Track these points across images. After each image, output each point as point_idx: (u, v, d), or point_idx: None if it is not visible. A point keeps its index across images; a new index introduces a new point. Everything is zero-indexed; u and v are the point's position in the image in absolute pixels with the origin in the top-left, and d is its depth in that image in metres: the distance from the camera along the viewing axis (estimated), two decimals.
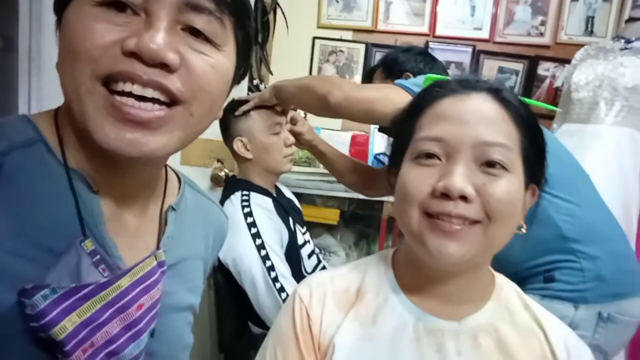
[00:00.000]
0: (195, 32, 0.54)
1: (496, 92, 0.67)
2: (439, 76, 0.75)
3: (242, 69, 0.65)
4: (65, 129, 0.56)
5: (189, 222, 0.73)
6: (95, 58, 0.49)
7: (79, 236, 0.54)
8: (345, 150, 2.48)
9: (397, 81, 1.18)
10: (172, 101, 0.53)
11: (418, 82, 1.15)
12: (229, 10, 0.56)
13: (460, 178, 0.61)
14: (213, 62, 0.55)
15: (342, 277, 0.76)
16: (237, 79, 0.65)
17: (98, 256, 0.55)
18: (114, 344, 0.55)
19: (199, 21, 0.53)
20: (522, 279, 1.17)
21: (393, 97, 1.12)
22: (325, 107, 1.25)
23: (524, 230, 0.69)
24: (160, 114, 0.52)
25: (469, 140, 0.62)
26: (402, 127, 0.72)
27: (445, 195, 0.61)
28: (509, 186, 0.63)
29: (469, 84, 0.68)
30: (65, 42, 0.51)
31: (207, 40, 0.55)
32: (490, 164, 0.62)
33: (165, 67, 0.51)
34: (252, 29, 0.62)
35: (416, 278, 0.71)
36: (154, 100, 0.52)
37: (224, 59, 0.57)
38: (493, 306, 0.71)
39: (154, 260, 0.62)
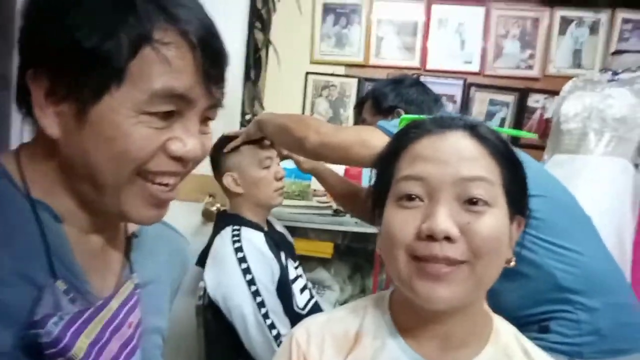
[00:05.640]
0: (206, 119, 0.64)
1: (472, 128, 0.67)
2: (414, 116, 0.75)
3: None
4: (31, 166, 0.60)
5: (151, 248, 0.76)
6: (143, 162, 0.56)
7: (48, 264, 0.57)
8: None
9: (379, 123, 1.17)
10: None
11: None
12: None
13: (444, 218, 0.60)
14: (210, 136, 0.65)
15: (340, 320, 0.75)
16: None
17: (72, 294, 0.58)
18: None
19: (211, 114, 0.63)
20: (517, 327, 1.14)
21: (371, 141, 1.11)
22: (302, 151, 1.25)
23: (513, 264, 0.67)
24: (176, 190, 0.63)
25: (449, 177, 0.62)
26: (382, 170, 0.72)
27: (431, 237, 0.60)
28: (493, 222, 0.62)
29: (444, 123, 0.68)
30: (105, 142, 0.55)
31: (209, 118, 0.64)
32: (473, 201, 0.62)
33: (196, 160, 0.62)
34: None
35: (413, 320, 0.69)
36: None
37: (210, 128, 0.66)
38: (491, 351, 0.68)
39: (131, 284, 0.67)
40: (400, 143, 0.70)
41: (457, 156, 0.64)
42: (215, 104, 0.61)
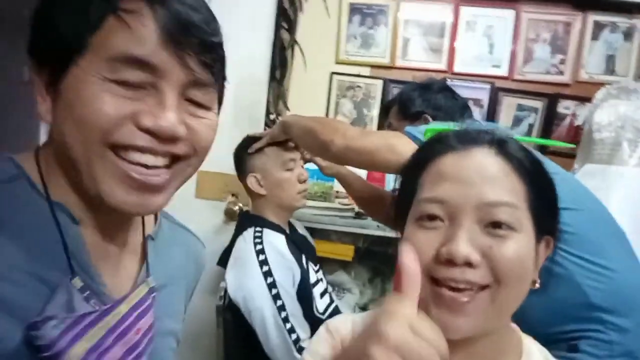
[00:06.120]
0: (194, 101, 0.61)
1: (499, 145, 0.65)
2: (440, 127, 0.73)
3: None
4: (48, 166, 0.60)
5: (167, 250, 0.76)
6: (108, 130, 0.54)
7: (64, 264, 0.57)
8: None
9: (407, 129, 1.16)
10: (174, 160, 0.60)
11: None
12: (220, 80, 0.64)
13: (465, 243, 0.58)
14: (208, 123, 0.62)
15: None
16: None
17: (88, 292, 0.58)
18: None
19: (200, 94, 0.60)
20: (544, 344, 1.10)
21: (397, 146, 1.10)
22: (327, 155, 1.24)
23: (537, 286, 0.65)
24: (167, 177, 0.59)
25: (472, 201, 0.60)
26: (405, 183, 0.70)
27: (450, 261, 0.58)
28: (517, 247, 0.59)
29: (470, 139, 0.66)
30: (71, 110, 0.55)
31: (203, 105, 0.62)
32: (496, 224, 0.59)
33: (175, 138, 0.58)
34: (225, 80, 0.68)
35: None
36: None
37: (214, 116, 0.64)
38: None
39: (146, 287, 0.67)
40: (424, 156, 0.68)
41: (481, 177, 0.61)
42: (200, 80, 0.58)
